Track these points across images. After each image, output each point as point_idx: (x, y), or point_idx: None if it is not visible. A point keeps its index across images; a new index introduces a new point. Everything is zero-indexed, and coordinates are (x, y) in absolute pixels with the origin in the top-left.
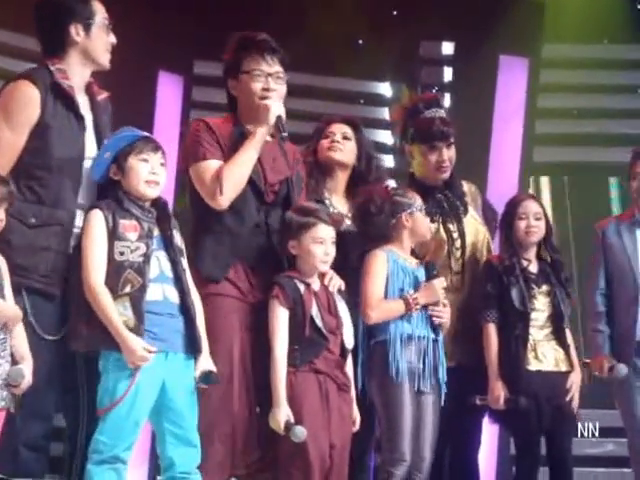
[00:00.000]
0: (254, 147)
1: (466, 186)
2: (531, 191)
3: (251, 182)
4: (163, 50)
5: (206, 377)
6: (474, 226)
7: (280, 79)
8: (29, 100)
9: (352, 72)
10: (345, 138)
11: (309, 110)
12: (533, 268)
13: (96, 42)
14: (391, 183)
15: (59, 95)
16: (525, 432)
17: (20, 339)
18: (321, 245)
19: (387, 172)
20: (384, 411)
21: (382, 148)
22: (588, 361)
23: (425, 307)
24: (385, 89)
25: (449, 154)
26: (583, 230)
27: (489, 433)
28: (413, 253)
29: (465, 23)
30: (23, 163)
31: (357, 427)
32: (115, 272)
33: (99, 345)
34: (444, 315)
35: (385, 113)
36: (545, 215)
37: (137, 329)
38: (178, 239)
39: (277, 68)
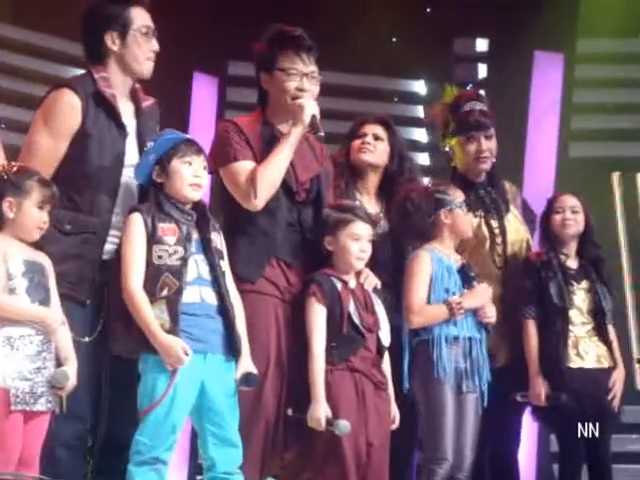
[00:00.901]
0: (289, 148)
1: (507, 185)
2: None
3: (283, 182)
4: (197, 52)
5: (246, 379)
6: (515, 224)
7: (314, 79)
8: (70, 108)
9: (386, 70)
10: (377, 139)
11: (344, 109)
12: (573, 264)
13: (133, 50)
14: (425, 182)
15: (101, 103)
16: (567, 430)
17: (65, 341)
18: (357, 242)
19: (420, 171)
20: (426, 410)
21: (417, 146)
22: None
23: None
24: (419, 87)
25: (488, 145)
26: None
27: (529, 431)
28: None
29: (499, 19)
30: (62, 170)
31: (396, 425)
32: (153, 276)
33: (138, 348)
34: (491, 315)
35: (419, 111)
36: (585, 210)
37: (173, 331)
38: (218, 242)
39: (312, 68)
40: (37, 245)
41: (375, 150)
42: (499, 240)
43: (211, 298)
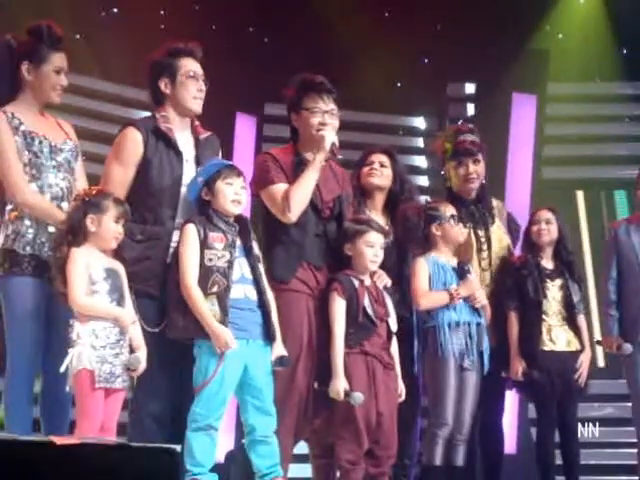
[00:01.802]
0: (315, 171)
1: (495, 202)
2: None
3: (311, 202)
4: (240, 95)
5: (280, 361)
6: (499, 233)
7: (334, 115)
8: (134, 142)
9: (392, 109)
10: (382, 166)
11: (357, 141)
12: (549, 265)
13: (181, 92)
14: (422, 200)
15: (159, 136)
16: (540, 398)
17: (136, 332)
18: (371, 248)
19: (420, 192)
20: (432, 384)
21: (418, 170)
22: (600, 340)
23: (466, 298)
24: (419, 122)
25: (475, 168)
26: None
27: (511, 400)
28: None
29: (483, 67)
30: (132, 191)
31: (402, 398)
32: (205, 275)
33: (193, 334)
34: (481, 299)
35: (420, 142)
36: (558, 222)
37: (223, 321)
38: (256, 249)
39: (332, 106)
40: (116, 253)
41: (381, 175)
42: (485, 247)
43: (252, 294)
